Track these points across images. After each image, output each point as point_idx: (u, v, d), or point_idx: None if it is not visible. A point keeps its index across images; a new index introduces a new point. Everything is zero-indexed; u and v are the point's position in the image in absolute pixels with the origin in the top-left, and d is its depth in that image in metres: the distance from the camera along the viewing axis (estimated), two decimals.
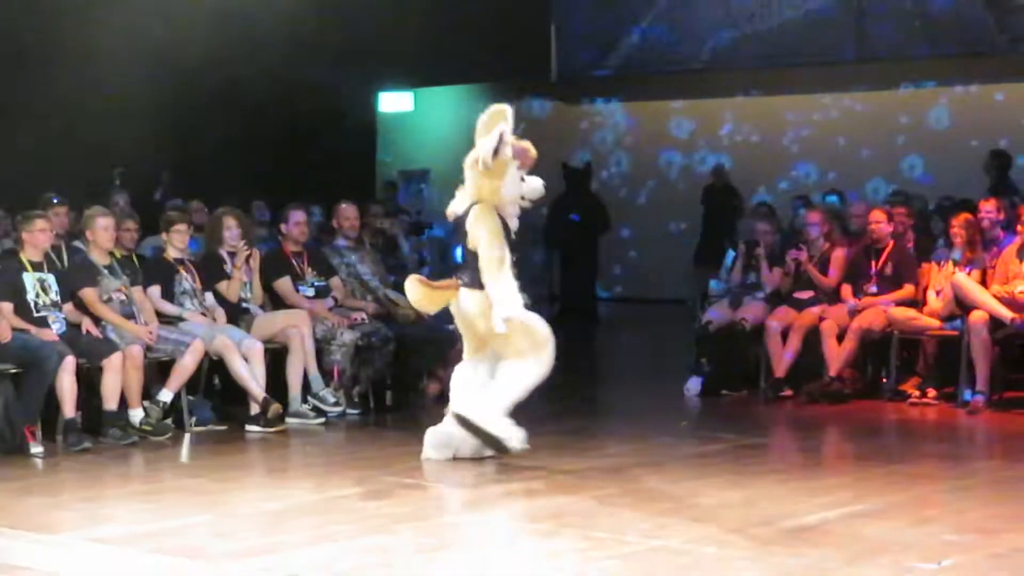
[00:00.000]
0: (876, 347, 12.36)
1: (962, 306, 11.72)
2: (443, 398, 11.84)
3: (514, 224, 9.03)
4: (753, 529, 7.19)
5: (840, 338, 12.10)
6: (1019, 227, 12.01)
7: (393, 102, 23.16)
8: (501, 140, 8.74)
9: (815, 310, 12.39)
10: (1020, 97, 18.24)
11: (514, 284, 8.82)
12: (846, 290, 12.44)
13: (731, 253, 13.20)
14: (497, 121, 8.80)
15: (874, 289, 12.22)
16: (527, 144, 8.99)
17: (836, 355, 12.05)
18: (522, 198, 9.01)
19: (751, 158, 20.04)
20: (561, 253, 19.63)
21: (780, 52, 19.28)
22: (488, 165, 8.75)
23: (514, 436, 8.85)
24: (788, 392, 12.16)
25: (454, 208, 9.11)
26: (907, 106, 19.20)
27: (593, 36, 20.79)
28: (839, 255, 12.63)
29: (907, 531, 7.18)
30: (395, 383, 11.64)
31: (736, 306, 12.74)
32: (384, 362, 11.41)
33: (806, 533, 7.16)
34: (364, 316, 11.53)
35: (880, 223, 12.42)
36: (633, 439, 10.10)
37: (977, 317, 11.53)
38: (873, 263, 12.38)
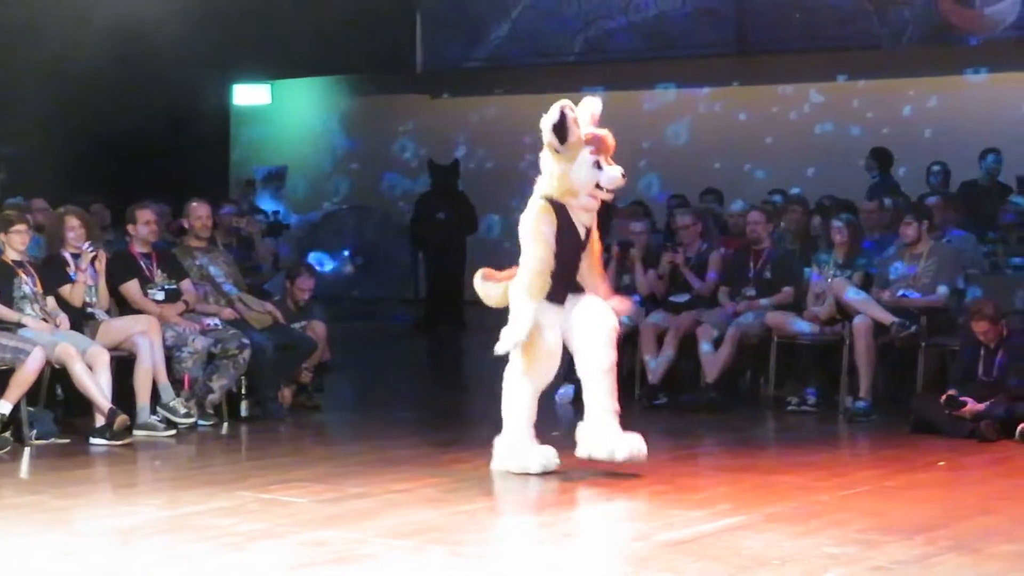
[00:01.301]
0: (754, 353, 12.49)
1: (843, 311, 11.89)
2: (301, 407, 11.90)
3: (584, 220, 8.84)
4: (628, 544, 7.24)
5: (718, 343, 12.23)
6: (902, 228, 12.23)
7: (248, 95, 22.98)
8: (564, 116, 8.57)
9: (691, 314, 12.50)
10: (899, 91, 18.50)
11: (530, 306, 8.74)
12: (723, 293, 12.56)
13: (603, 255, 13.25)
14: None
15: (753, 292, 12.35)
16: (605, 132, 8.83)
17: (713, 361, 12.18)
18: (598, 186, 8.78)
19: (627, 153, 20.08)
20: (427, 253, 19.58)
21: (656, 44, 19.39)
22: (556, 145, 8.61)
23: (533, 462, 8.87)
24: (663, 399, 12.26)
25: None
26: (786, 101, 19.38)
27: (461, 26, 20.77)
28: (716, 257, 12.75)
29: (787, 544, 7.26)
30: (250, 392, 11.55)
31: None
32: (238, 370, 11.32)
33: (683, 547, 7.21)
34: (217, 321, 11.44)
35: (759, 224, 12.55)
36: None
37: (860, 322, 11.70)
38: (752, 265, 12.51)
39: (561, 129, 8.59)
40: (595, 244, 9.08)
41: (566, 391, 12.49)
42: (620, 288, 12.92)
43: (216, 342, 11.25)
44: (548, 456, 8.96)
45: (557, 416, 12.13)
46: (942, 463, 9.73)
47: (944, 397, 10.76)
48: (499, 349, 8.85)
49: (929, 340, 11.85)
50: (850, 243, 12.25)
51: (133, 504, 8.45)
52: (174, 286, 11.47)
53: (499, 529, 7.60)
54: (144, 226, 11.45)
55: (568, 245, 8.81)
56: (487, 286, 9.13)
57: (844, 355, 11.92)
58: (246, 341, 11.32)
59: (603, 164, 8.76)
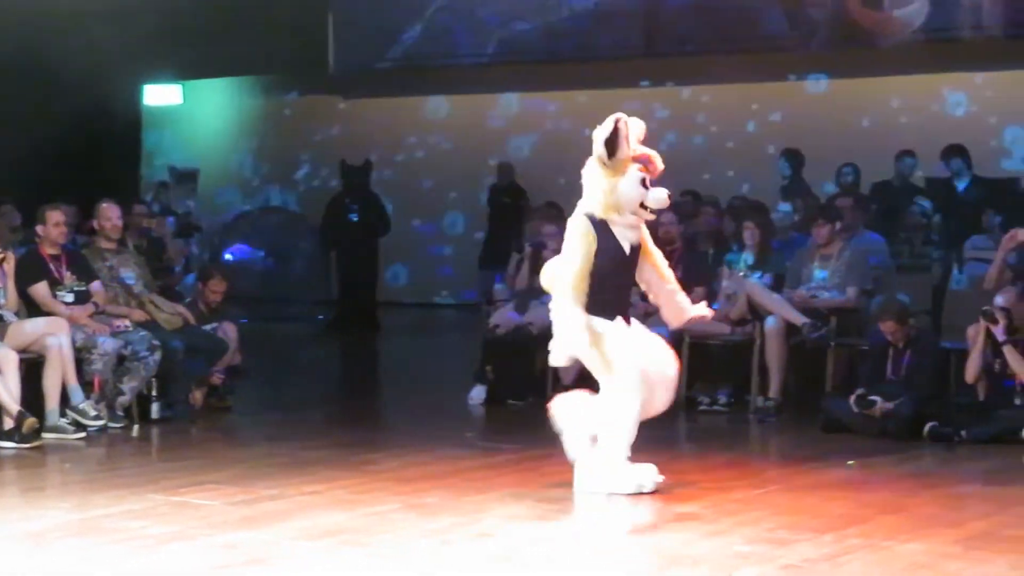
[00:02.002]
0: None
1: (755, 311, 11.97)
2: (213, 409, 11.85)
3: (630, 237, 8.57)
4: (540, 544, 7.25)
5: None
6: (814, 229, 12.33)
7: (159, 95, 22.85)
8: (617, 130, 8.42)
9: None
10: (804, 93, 18.66)
11: (579, 314, 8.42)
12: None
13: (516, 256, 13.28)
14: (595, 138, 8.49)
15: None
16: (653, 152, 8.61)
17: None
18: (643, 206, 8.55)
19: (541, 155, 20.15)
20: (339, 255, 19.51)
21: (568, 46, 19.45)
22: (605, 158, 8.42)
23: (633, 482, 8.52)
24: None
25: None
26: (702, 103, 19.50)
27: (374, 28, 20.73)
28: None
29: (700, 543, 7.30)
30: (161, 394, 11.47)
31: (523, 311, 12.82)
32: (149, 372, 11.25)
33: (595, 546, 7.23)
34: (128, 323, 11.36)
35: (671, 225, 12.60)
36: (415, 452, 10.11)
37: (771, 323, 11.79)
38: None
39: (612, 143, 8.41)
40: (652, 255, 8.83)
41: (478, 392, 12.51)
42: (533, 289, 12.97)
43: (126, 344, 11.16)
44: (643, 477, 8.56)
45: (470, 417, 12.18)
46: (852, 462, 9.81)
47: (854, 397, 10.86)
48: (554, 361, 8.67)
49: (839, 340, 11.95)
50: (761, 244, 12.34)
51: (42, 507, 8.36)
52: (84, 288, 11.37)
53: (412, 529, 7.59)
54: (54, 227, 11.34)
55: (610, 262, 8.52)
56: None
57: (755, 355, 12.00)
58: (156, 343, 11.25)
59: (648, 184, 8.58)
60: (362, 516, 7.93)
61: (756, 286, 12.03)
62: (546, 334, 12.39)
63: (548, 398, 12.20)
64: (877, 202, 15.03)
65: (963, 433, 10.51)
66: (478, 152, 20.71)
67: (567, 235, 8.57)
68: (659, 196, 8.57)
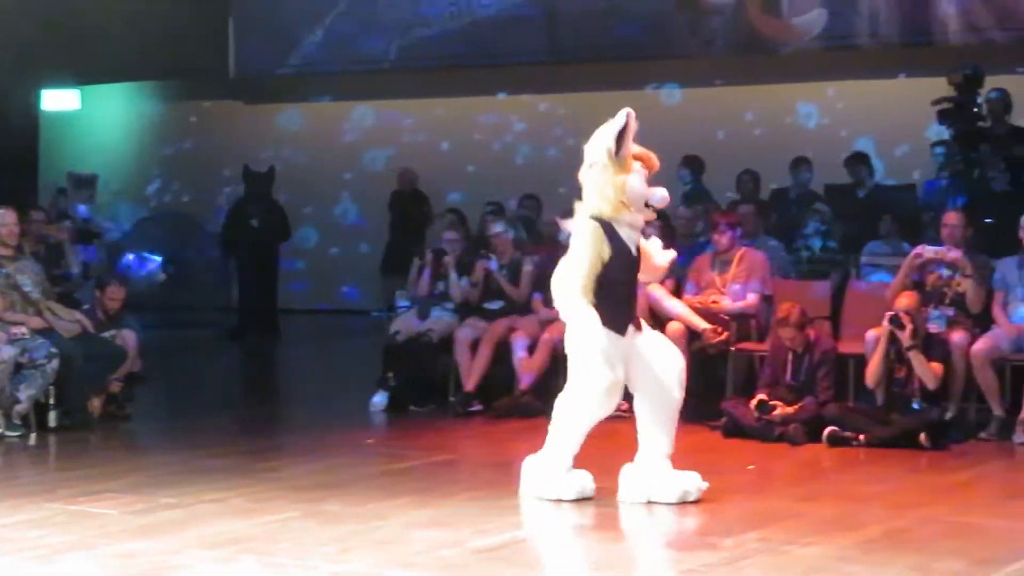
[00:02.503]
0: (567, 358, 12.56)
1: (656, 317, 12.00)
2: (111, 417, 11.73)
3: (633, 237, 8.48)
4: (441, 551, 7.24)
5: (531, 349, 12.29)
6: (714, 235, 12.39)
7: (57, 100, 22.64)
8: (627, 125, 8.32)
9: (505, 321, 12.56)
10: (708, 99, 18.76)
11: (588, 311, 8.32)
12: (537, 301, 12.61)
13: (417, 262, 13.28)
14: (596, 138, 8.42)
15: None
16: (650, 152, 8.56)
17: (527, 367, 12.24)
18: (647, 205, 8.48)
19: (441, 161, 20.15)
20: (240, 261, 19.42)
21: (471, 52, 19.46)
22: (614, 154, 8.31)
23: (569, 489, 8.47)
24: (478, 406, 12.29)
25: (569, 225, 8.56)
26: (604, 109, 19.50)
27: (274, 33, 20.65)
28: (530, 265, 12.80)
29: (598, 548, 7.32)
30: (59, 402, 11.36)
31: (424, 317, 12.82)
32: (47, 380, 11.14)
33: (497, 553, 7.24)
34: (25, 331, 11.24)
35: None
36: (316, 459, 10.07)
37: (673, 328, 11.82)
38: None
39: (622, 138, 8.35)
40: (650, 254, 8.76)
41: (380, 398, 12.48)
42: (434, 295, 12.97)
43: (23, 351, 11.05)
44: (584, 483, 8.55)
45: (371, 423, 12.14)
46: (751, 466, 9.87)
47: (755, 401, 10.93)
48: (571, 348, 8.52)
49: (739, 346, 12.02)
50: None
51: None
52: None
53: (312, 538, 7.55)
54: None
55: (622, 266, 8.45)
56: None
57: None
58: (55, 350, 11.14)
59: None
60: (262, 524, 7.89)
61: (657, 292, 12.06)
62: (447, 340, 12.56)
63: (449, 403, 12.39)
64: (776, 209, 15.14)
65: (861, 437, 10.60)
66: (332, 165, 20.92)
67: (573, 238, 8.44)
68: (662, 194, 8.55)
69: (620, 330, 8.45)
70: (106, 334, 11.91)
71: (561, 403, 8.54)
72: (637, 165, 8.43)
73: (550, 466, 8.53)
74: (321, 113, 21.53)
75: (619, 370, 8.41)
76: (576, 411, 8.46)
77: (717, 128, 18.37)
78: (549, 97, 19.75)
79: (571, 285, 8.36)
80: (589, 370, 8.37)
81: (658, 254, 8.83)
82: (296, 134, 21.49)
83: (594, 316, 8.30)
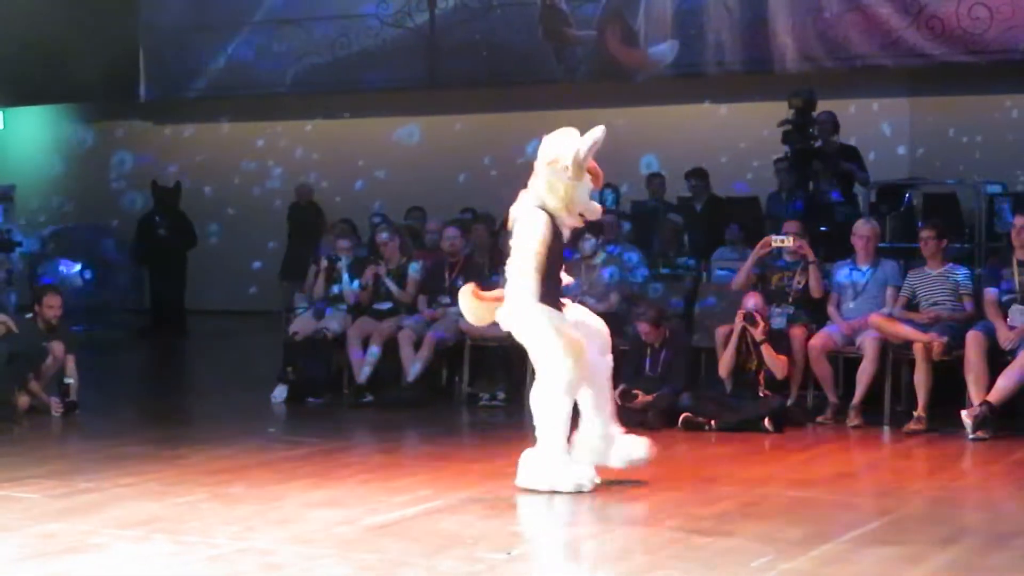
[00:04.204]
0: (450, 353, 12.57)
1: None
2: (35, 410, 11.53)
3: (566, 234, 8.39)
4: (336, 528, 7.19)
5: (417, 346, 12.29)
6: (580, 243, 12.44)
7: None
8: (597, 141, 8.19)
9: (393, 320, 12.54)
10: (573, 123, 18.77)
11: (535, 289, 8.17)
12: (422, 301, 12.62)
13: (313, 267, 13.23)
14: (566, 137, 8.25)
15: (447, 300, 12.41)
16: (600, 172, 8.41)
17: (413, 362, 12.23)
18: (580, 215, 8.38)
19: (333, 176, 20.05)
20: (151, 267, 19.38)
21: (357, 78, 19.42)
22: (580, 160, 8.15)
23: (568, 480, 8.20)
24: (369, 398, 12.24)
25: (516, 211, 8.36)
26: (490, 131, 19.48)
27: (181, 59, 20.48)
28: (415, 269, 12.82)
29: (479, 524, 7.30)
30: None
31: (320, 317, 12.77)
32: None
33: (387, 529, 7.20)
34: None
35: (456, 238, 12.69)
36: (221, 446, 9.97)
37: None
38: (447, 275, 12.60)
39: (590, 152, 8.22)
40: None
41: (280, 391, 12.40)
42: (329, 297, 12.91)
43: None
44: (582, 475, 8.25)
45: (272, 414, 12.05)
46: None
47: (619, 391, 10.96)
48: (502, 318, 8.35)
49: None
50: None
51: None
52: None
53: (218, 517, 7.47)
54: None
55: (558, 253, 8.39)
56: (475, 304, 8.47)
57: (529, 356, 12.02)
58: None
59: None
60: (172, 506, 7.80)
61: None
62: (341, 338, 12.50)
63: (344, 396, 12.33)
64: (635, 218, 15.23)
65: (712, 423, 10.67)
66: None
67: (524, 225, 8.27)
68: (596, 208, 8.51)
69: (557, 307, 8.37)
70: (45, 344, 11.70)
71: (536, 396, 8.36)
72: (587, 178, 8.35)
73: (547, 458, 8.27)
74: (222, 132, 21.37)
75: (577, 331, 8.30)
76: (554, 397, 8.28)
77: None
78: (429, 120, 19.73)
79: (527, 271, 8.20)
80: (552, 353, 8.24)
81: None
82: (201, 152, 21.30)
83: (545, 308, 8.22)
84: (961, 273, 11.22)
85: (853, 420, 10.91)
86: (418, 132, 19.87)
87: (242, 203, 20.97)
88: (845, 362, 11.36)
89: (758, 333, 10.88)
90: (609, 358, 8.56)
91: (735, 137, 17.39)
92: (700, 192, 15.36)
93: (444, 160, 19.10)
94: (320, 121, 20.65)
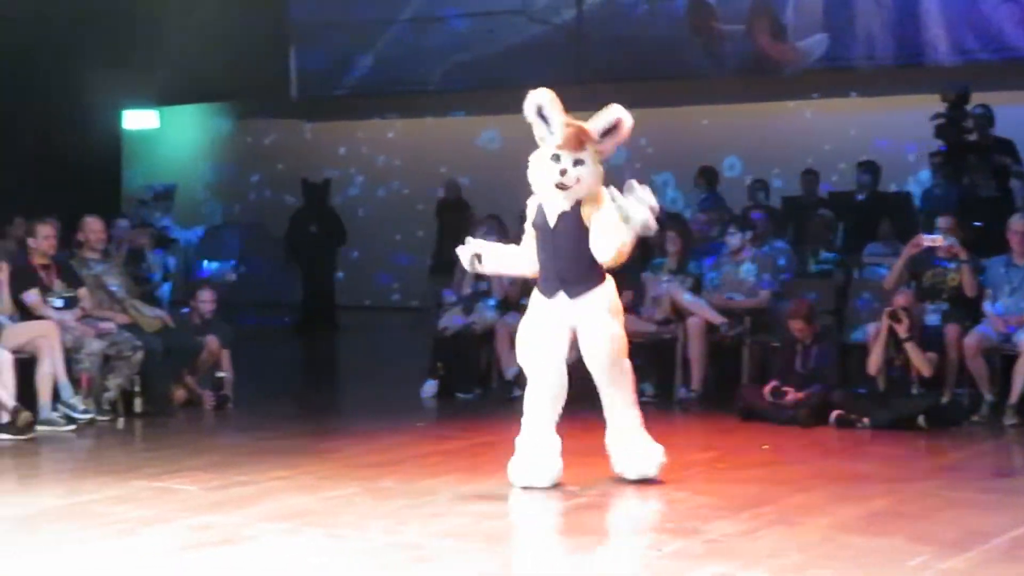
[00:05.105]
0: None
1: (678, 312, 11.97)
2: (190, 403, 11.72)
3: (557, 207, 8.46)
4: (487, 522, 7.21)
5: None
6: (727, 238, 12.34)
7: (138, 119, 22.73)
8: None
9: None
10: (723, 118, 18.67)
11: None
12: None
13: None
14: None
15: None
16: None
17: None
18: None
19: (488, 173, 20.08)
20: (302, 264, 19.56)
21: (505, 75, 19.44)
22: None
23: (523, 478, 8.10)
24: (518, 392, 12.23)
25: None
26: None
27: (331, 58, 20.69)
28: None
29: (618, 519, 7.27)
30: (143, 390, 11.36)
31: (469, 312, 12.79)
32: (132, 370, 11.16)
33: (536, 523, 7.19)
34: (112, 325, 11.28)
35: None
36: (372, 440, 10.05)
37: (693, 322, 11.79)
38: None
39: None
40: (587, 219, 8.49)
41: (430, 386, 12.44)
42: (477, 293, 12.93)
43: (111, 344, 11.07)
44: (553, 470, 8.14)
45: (422, 409, 12.11)
46: (766, 446, 9.80)
47: (769, 388, 10.86)
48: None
49: (753, 338, 11.96)
50: (681, 251, 12.35)
51: (36, 493, 8.29)
52: (72, 294, 11.28)
53: (370, 511, 7.52)
54: (44, 240, 11.28)
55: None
56: None
57: (678, 351, 11.99)
58: (139, 343, 11.16)
59: None
60: (324, 499, 7.87)
61: (678, 289, 12.02)
62: (489, 333, 12.51)
63: (492, 390, 12.36)
64: (786, 214, 15.08)
65: (865, 420, 10.52)
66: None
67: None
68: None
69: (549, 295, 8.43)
70: (200, 338, 11.88)
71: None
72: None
73: (519, 455, 8.23)
74: (372, 129, 21.52)
75: (540, 330, 8.30)
76: (527, 396, 8.30)
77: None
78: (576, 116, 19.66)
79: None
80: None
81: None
82: (350, 148, 21.49)
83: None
84: None
85: (1010, 418, 10.68)
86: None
87: (389, 199, 21.16)
88: (1001, 359, 11.13)
89: (902, 330, 10.70)
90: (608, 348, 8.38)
91: (888, 131, 17.17)
92: (866, 186, 15.15)
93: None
94: (465, 117, 20.75)
